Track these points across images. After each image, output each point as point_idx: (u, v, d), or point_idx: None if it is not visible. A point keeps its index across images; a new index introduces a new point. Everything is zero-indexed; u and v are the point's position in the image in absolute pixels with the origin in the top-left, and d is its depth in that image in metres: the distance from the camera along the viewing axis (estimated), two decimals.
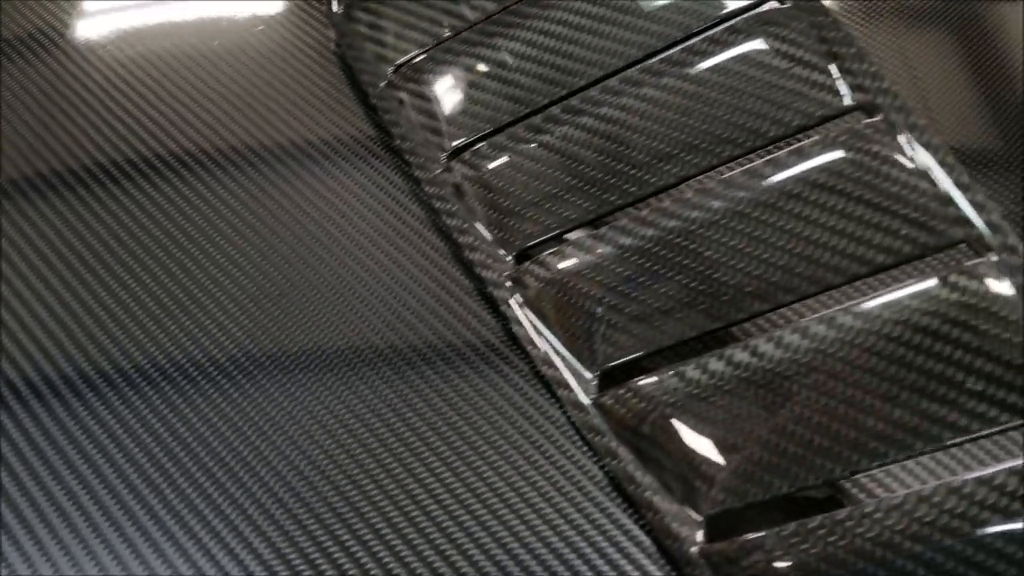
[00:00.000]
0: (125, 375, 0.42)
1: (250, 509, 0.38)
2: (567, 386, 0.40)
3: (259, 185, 0.49)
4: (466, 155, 0.46)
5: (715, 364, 0.37)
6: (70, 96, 0.52)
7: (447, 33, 0.49)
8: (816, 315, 0.35)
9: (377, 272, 0.46)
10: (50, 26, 0.55)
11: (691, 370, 0.38)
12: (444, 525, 0.38)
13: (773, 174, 0.37)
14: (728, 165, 0.40)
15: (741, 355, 0.36)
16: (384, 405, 0.41)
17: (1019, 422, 0.31)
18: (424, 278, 0.45)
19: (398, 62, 0.50)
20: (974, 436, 0.31)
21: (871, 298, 0.34)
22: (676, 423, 0.37)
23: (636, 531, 0.37)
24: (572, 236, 0.43)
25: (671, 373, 0.38)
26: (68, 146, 0.50)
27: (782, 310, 0.38)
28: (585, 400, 0.40)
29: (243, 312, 0.44)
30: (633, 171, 0.41)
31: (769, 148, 0.39)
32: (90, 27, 0.56)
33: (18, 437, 0.40)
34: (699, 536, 0.36)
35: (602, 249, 0.41)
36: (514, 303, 0.43)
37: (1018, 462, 0.31)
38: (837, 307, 0.35)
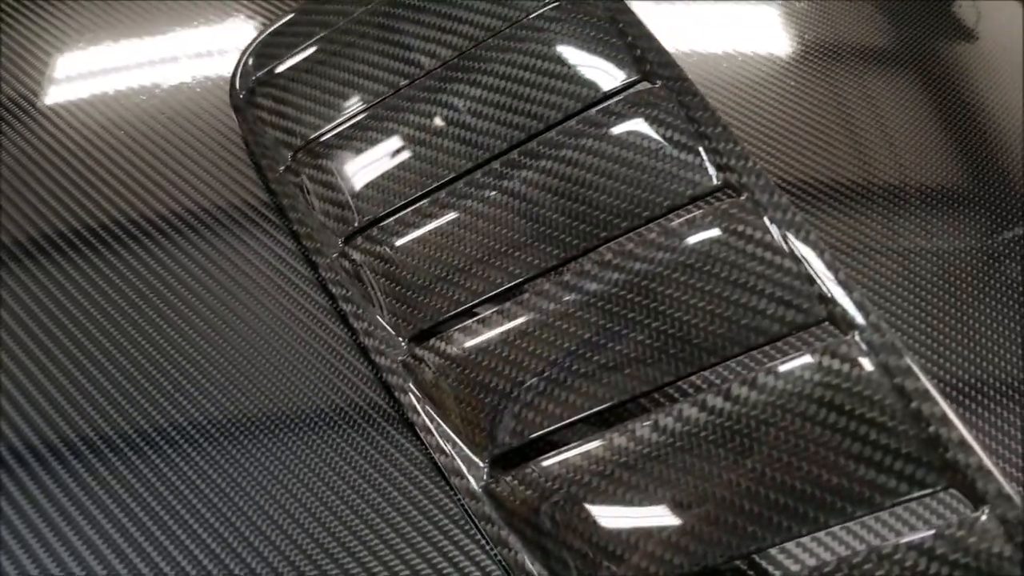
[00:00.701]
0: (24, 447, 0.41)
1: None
2: (459, 473, 0.40)
3: (170, 261, 0.48)
4: (359, 240, 0.46)
5: (597, 449, 0.36)
6: None
7: (343, 118, 0.49)
8: (690, 398, 0.35)
9: (282, 351, 0.45)
10: None
11: (575, 456, 0.37)
12: None
13: (647, 254, 0.38)
14: (606, 245, 0.40)
15: (619, 439, 0.36)
16: (268, 485, 0.41)
17: (887, 502, 0.31)
18: (324, 361, 0.45)
19: (296, 146, 0.50)
20: (848, 517, 0.31)
21: (739, 381, 0.34)
22: (566, 509, 0.36)
23: None
24: (463, 319, 0.43)
25: (557, 459, 0.38)
26: None
27: (664, 389, 0.38)
28: (476, 487, 0.39)
29: (144, 378, 0.44)
30: (517, 253, 0.41)
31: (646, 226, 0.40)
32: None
33: None
34: None
35: (490, 331, 0.41)
36: (407, 390, 0.42)
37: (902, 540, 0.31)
38: (708, 390, 0.35)
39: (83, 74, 0.57)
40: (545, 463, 0.38)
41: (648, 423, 0.35)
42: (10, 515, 0.40)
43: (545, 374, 0.39)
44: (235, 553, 0.39)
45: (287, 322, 0.46)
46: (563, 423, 0.38)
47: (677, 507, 0.35)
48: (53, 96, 0.56)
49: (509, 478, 0.38)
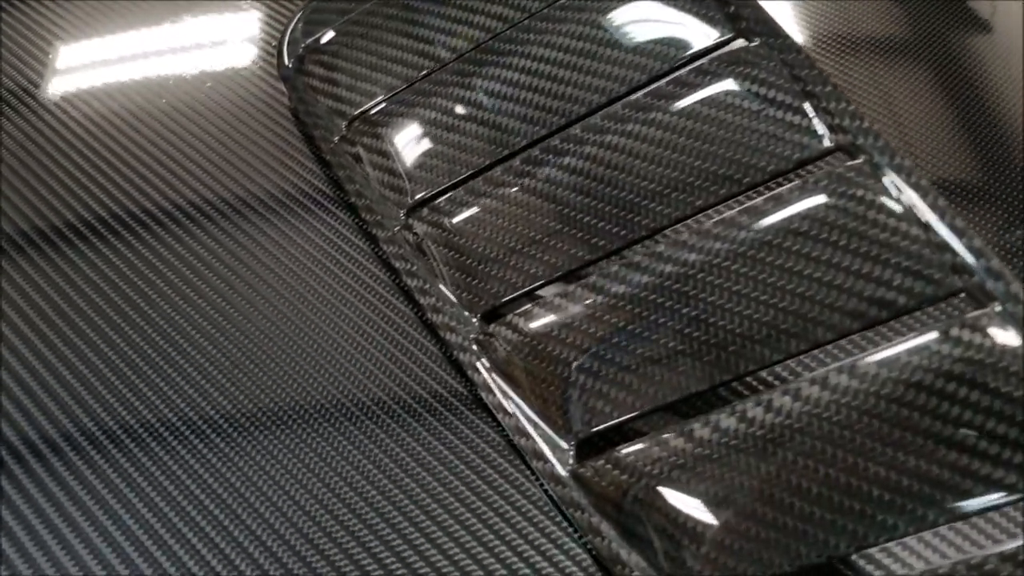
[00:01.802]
0: (76, 438, 0.38)
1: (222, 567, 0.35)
2: (542, 457, 0.37)
3: (219, 244, 0.46)
4: (425, 211, 0.43)
5: (701, 430, 0.34)
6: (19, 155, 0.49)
7: (402, 84, 0.46)
8: (808, 375, 0.32)
9: (343, 332, 0.43)
10: None
11: (675, 438, 0.35)
12: None
13: (752, 223, 0.35)
14: (704, 214, 0.37)
15: (728, 420, 0.33)
16: (346, 473, 0.38)
17: None
18: (389, 340, 0.42)
19: (351, 115, 0.47)
20: (984, 508, 0.29)
21: (867, 355, 0.31)
22: (662, 496, 0.34)
23: None
24: (541, 294, 0.40)
25: (655, 441, 0.35)
26: (17, 206, 0.47)
27: (772, 368, 0.35)
28: (562, 472, 0.37)
29: (199, 371, 0.41)
30: (602, 223, 0.39)
31: (746, 195, 0.37)
32: (26, 87, 0.53)
33: None
34: None
35: (573, 307, 0.38)
36: (481, 368, 0.40)
37: None
38: (830, 366, 0.32)
39: (121, 50, 0.55)
40: (640, 446, 0.35)
41: (759, 405, 0.33)
42: (69, 504, 0.38)
43: (638, 352, 0.36)
44: (312, 542, 0.36)
45: (348, 300, 0.44)
46: (658, 405, 0.36)
47: (783, 500, 0.32)
48: (92, 71, 0.54)
49: (600, 462, 0.36)
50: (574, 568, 0.35)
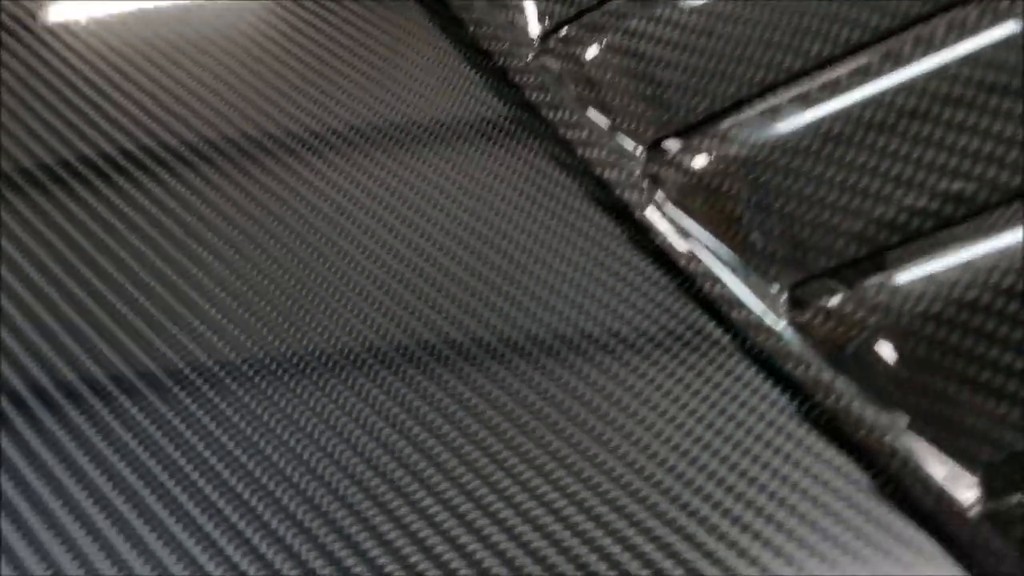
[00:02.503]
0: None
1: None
2: (744, 306, 0.30)
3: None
4: (571, 31, 0.36)
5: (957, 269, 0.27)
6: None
7: None
8: None
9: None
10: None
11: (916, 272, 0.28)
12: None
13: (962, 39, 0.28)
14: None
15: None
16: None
17: None
18: (519, 175, 0.35)
19: None
20: None
21: None
22: (926, 341, 0.27)
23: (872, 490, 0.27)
24: (726, 120, 0.33)
25: (900, 275, 0.28)
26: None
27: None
28: (777, 322, 0.29)
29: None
30: (797, 40, 0.31)
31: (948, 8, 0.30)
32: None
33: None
34: (973, 494, 0.26)
35: (773, 131, 0.31)
36: (656, 206, 0.32)
37: None
38: None
39: None
40: (880, 279, 0.28)
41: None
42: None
43: (861, 183, 0.29)
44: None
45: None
46: (888, 246, 0.29)
47: None
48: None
49: (836, 301, 0.28)
50: (794, 427, 0.28)
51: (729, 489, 0.26)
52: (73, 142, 0.36)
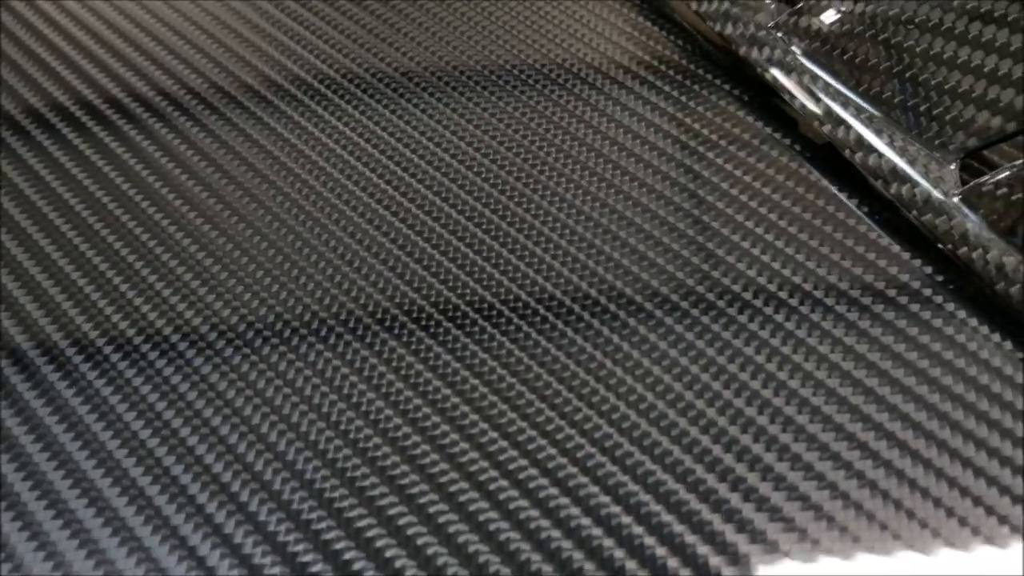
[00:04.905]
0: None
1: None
2: (907, 179, 0.25)
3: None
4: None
5: None
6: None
7: None
8: None
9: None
10: None
11: None
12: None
13: None
14: None
15: None
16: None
17: None
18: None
19: None
20: None
21: None
22: None
23: None
24: None
25: None
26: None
27: None
28: (944, 197, 0.24)
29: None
30: None
31: None
32: None
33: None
34: None
35: None
36: (786, 66, 0.27)
37: None
38: None
39: None
40: None
41: None
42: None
43: None
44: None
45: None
46: None
47: None
48: None
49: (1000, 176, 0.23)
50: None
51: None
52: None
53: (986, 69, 0.25)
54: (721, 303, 0.24)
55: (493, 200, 0.27)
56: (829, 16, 0.27)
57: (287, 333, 0.24)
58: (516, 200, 0.27)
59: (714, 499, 0.21)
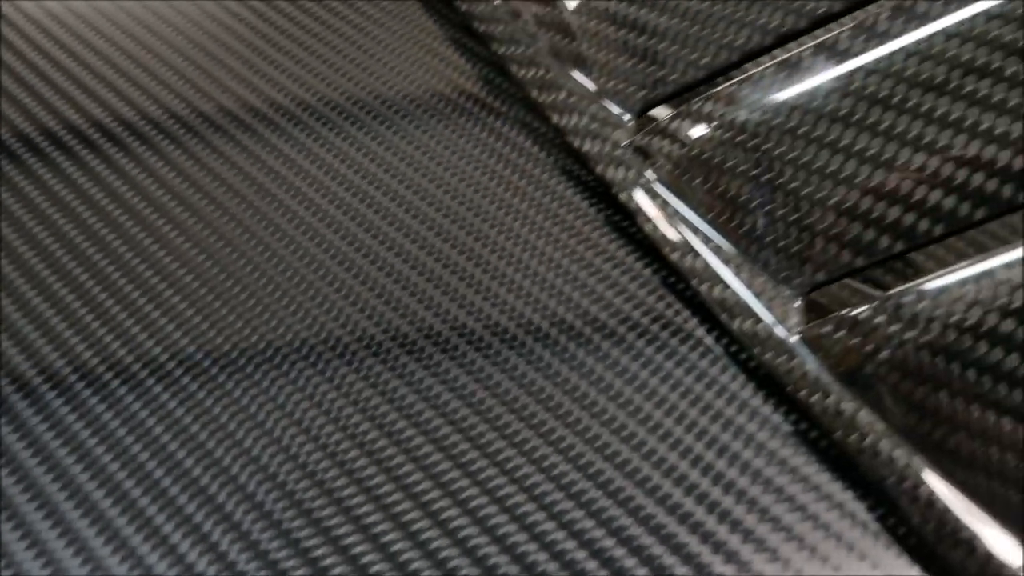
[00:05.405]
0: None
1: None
2: (750, 314, 0.24)
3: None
4: None
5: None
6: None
7: None
8: None
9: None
10: None
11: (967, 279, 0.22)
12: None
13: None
14: None
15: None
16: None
17: None
18: (490, 152, 0.29)
19: None
20: None
21: None
22: (978, 364, 0.21)
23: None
24: (731, 80, 0.27)
25: (939, 282, 0.22)
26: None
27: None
28: (786, 336, 0.24)
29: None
30: None
31: None
32: None
33: None
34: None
35: (790, 91, 0.25)
36: (641, 189, 0.27)
37: None
38: None
39: None
40: (923, 287, 0.23)
41: None
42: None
43: (900, 157, 0.23)
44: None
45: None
46: (933, 237, 0.23)
47: None
48: None
49: (861, 313, 0.23)
50: (820, 478, 0.23)
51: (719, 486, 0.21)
52: (39, 116, 0.32)
53: (832, 201, 0.24)
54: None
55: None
56: (688, 137, 0.27)
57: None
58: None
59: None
